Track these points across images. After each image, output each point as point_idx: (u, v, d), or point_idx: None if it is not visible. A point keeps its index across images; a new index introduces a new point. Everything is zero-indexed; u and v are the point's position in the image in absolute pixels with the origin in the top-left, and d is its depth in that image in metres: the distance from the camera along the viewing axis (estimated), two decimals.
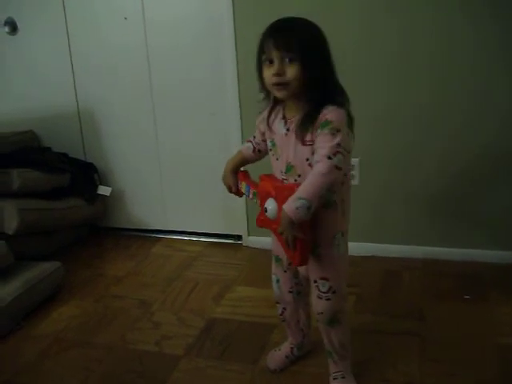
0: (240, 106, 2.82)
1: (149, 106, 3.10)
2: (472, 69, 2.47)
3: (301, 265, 1.61)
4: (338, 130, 1.47)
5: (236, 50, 2.73)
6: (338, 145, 1.45)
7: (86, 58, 3.15)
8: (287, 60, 1.48)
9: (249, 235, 3.05)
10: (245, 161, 1.83)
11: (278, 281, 1.86)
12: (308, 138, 1.53)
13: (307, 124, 1.52)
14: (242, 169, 1.85)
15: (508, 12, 2.37)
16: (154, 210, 3.32)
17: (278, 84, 1.51)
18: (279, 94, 1.55)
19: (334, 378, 1.81)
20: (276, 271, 1.86)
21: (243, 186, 1.80)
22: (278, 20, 1.56)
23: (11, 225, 2.69)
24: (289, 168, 1.60)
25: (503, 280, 2.49)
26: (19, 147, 3.05)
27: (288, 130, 1.59)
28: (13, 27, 3.20)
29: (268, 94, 1.64)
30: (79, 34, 3.12)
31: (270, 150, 1.69)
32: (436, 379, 1.86)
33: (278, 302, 1.91)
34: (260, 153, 1.80)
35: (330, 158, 1.45)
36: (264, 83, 1.58)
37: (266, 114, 1.69)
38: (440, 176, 2.63)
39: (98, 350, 2.17)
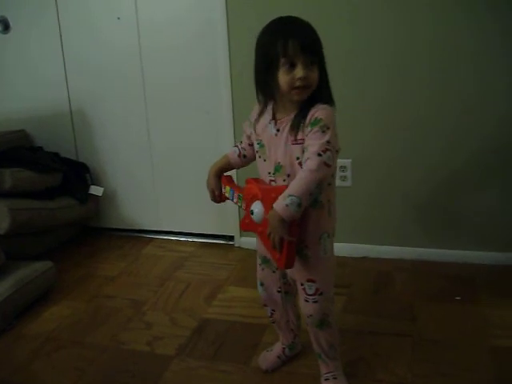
0: (233, 106, 2.82)
1: (141, 105, 3.10)
2: (468, 72, 2.48)
3: (286, 267, 1.59)
4: (328, 128, 1.48)
5: (229, 49, 2.74)
6: (328, 142, 1.46)
7: (78, 57, 3.15)
8: (309, 63, 1.48)
9: (241, 236, 3.05)
10: (229, 165, 1.82)
11: (262, 284, 1.86)
12: (299, 136, 1.53)
13: (299, 122, 1.53)
14: (225, 174, 1.84)
15: (508, 10, 2.37)
16: (146, 210, 3.32)
17: (302, 87, 1.50)
18: (299, 97, 1.52)
19: (326, 379, 1.82)
20: (262, 273, 1.85)
21: (227, 191, 1.78)
22: (288, 20, 1.55)
23: (2, 224, 2.68)
24: (277, 168, 1.59)
25: (494, 281, 2.51)
26: (11, 146, 3.03)
27: (278, 130, 1.58)
28: (5, 26, 3.19)
29: (266, 98, 1.61)
30: (72, 33, 3.11)
31: (257, 151, 1.68)
32: (427, 380, 1.87)
33: (265, 305, 1.91)
34: (245, 158, 1.79)
35: (319, 154, 1.45)
36: (269, 87, 1.56)
37: (255, 116, 1.67)
38: (432, 178, 2.64)
39: (90, 350, 2.17)
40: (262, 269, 1.84)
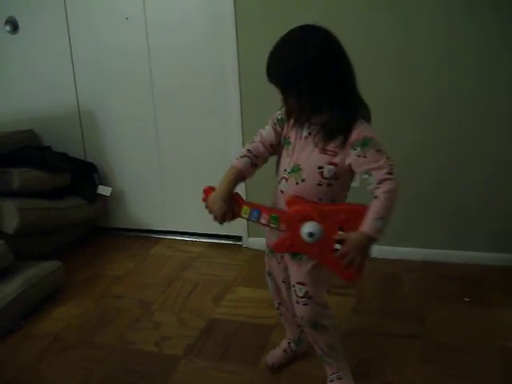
0: (241, 106, 2.81)
1: (149, 105, 3.10)
2: (474, 72, 2.48)
3: (359, 279, 1.62)
4: (380, 145, 1.51)
5: (238, 50, 2.73)
6: (388, 158, 1.49)
7: (87, 57, 3.15)
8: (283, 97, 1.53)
9: (249, 236, 3.05)
10: (241, 179, 1.68)
11: (269, 274, 1.88)
12: (330, 147, 1.53)
13: (335, 134, 1.52)
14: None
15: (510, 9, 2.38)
16: (154, 210, 3.32)
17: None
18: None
19: (331, 381, 1.81)
20: (269, 263, 1.86)
21: (245, 211, 1.65)
22: (277, 44, 1.52)
23: (11, 224, 2.69)
24: (295, 169, 1.59)
25: (503, 282, 2.50)
26: (19, 146, 3.04)
27: (309, 134, 1.57)
28: (14, 26, 3.20)
29: None
30: (80, 33, 3.12)
31: (283, 146, 1.65)
32: (436, 381, 1.86)
33: (274, 299, 1.94)
34: (256, 166, 1.68)
35: (391, 173, 1.48)
36: None
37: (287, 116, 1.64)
38: (441, 178, 2.63)
39: (98, 350, 2.17)
40: (270, 258, 1.85)
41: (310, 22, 1.52)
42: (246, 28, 2.69)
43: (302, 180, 1.57)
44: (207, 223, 3.14)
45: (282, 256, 1.76)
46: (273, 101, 1.65)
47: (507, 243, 2.62)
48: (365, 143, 1.50)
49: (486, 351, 2.01)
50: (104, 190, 3.27)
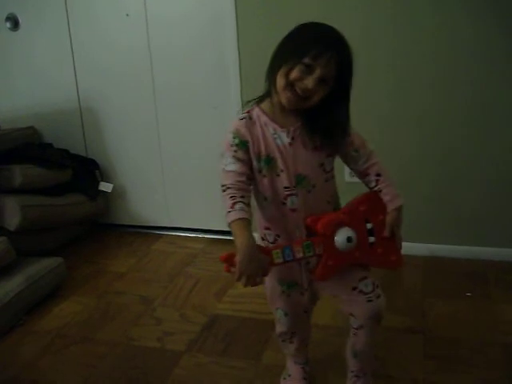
0: (242, 102, 2.80)
1: (150, 101, 3.10)
2: (474, 72, 2.48)
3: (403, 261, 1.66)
4: None
5: (238, 45, 2.73)
6: None
7: (87, 54, 3.15)
8: (322, 78, 1.35)
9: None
10: (249, 224, 1.45)
11: (286, 314, 1.69)
12: (318, 140, 1.46)
13: (315, 128, 1.45)
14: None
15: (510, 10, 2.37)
16: (155, 206, 3.32)
17: (298, 95, 1.38)
18: (286, 100, 1.39)
19: (357, 376, 1.73)
20: (288, 301, 1.66)
21: (277, 255, 1.43)
22: (331, 30, 1.40)
23: (13, 221, 2.69)
24: (300, 180, 1.46)
25: (505, 278, 2.49)
26: (20, 143, 3.04)
27: (293, 138, 1.45)
28: (14, 23, 3.20)
29: (268, 88, 1.47)
30: (81, 30, 3.12)
31: (260, 170, 1.47)
32: (439, 376, 1.86)
33: (291, 336, 1.76)
34: (249, 205, 1.48)
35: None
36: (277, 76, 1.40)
37: (246, 136, 1.48)
38: (443, 174, 2.63)
39: (101, 346, 2.18)
40: (288, 295, 1.65)
41: (310, 18, 1.47)
42: (247, 23, 2.68)
43: (313, 186, 1.48)
44: (209, 219, 3.19)
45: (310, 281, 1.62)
46: None
47: (510, 238, 2.62)
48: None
49: (489, 346, 2.01)
50: (105, 187, 3.27)
